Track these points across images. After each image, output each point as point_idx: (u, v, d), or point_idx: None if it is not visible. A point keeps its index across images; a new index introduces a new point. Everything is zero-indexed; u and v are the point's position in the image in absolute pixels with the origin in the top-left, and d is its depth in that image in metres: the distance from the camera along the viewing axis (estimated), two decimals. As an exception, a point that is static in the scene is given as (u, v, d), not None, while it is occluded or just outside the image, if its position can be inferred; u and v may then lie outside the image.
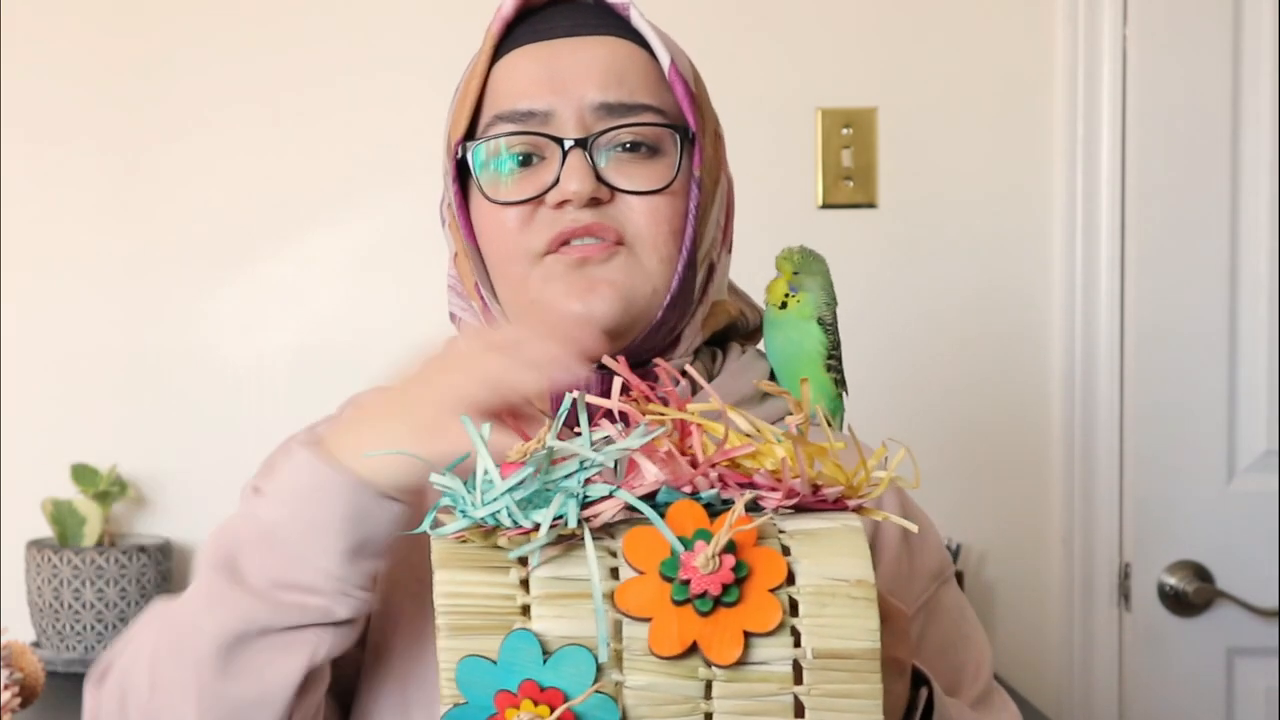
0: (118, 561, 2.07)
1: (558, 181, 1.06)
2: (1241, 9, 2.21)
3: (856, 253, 2.23)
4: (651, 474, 0.84)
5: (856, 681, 0.82)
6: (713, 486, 0.85)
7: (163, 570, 2.12)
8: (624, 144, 1.08)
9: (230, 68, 2.20)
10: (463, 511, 0.83)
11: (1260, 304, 2.24)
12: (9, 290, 2.20)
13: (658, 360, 0.94)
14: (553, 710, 0.79)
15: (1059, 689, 2.28)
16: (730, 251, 1.17)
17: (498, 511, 0.82)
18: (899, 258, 2.25)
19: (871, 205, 2.25)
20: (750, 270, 1.22)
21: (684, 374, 1.05)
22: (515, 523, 0.82)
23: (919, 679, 0.99)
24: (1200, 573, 2.24)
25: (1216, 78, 2.22)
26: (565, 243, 1.07)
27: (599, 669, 0.80)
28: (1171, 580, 2.24)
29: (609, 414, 0.89)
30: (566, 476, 0.83)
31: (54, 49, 2.19)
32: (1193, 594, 2.22)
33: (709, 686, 0.82)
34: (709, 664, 0.81)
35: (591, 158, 1.06)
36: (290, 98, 2.20)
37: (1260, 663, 2.25)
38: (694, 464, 0.86)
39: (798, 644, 0.82)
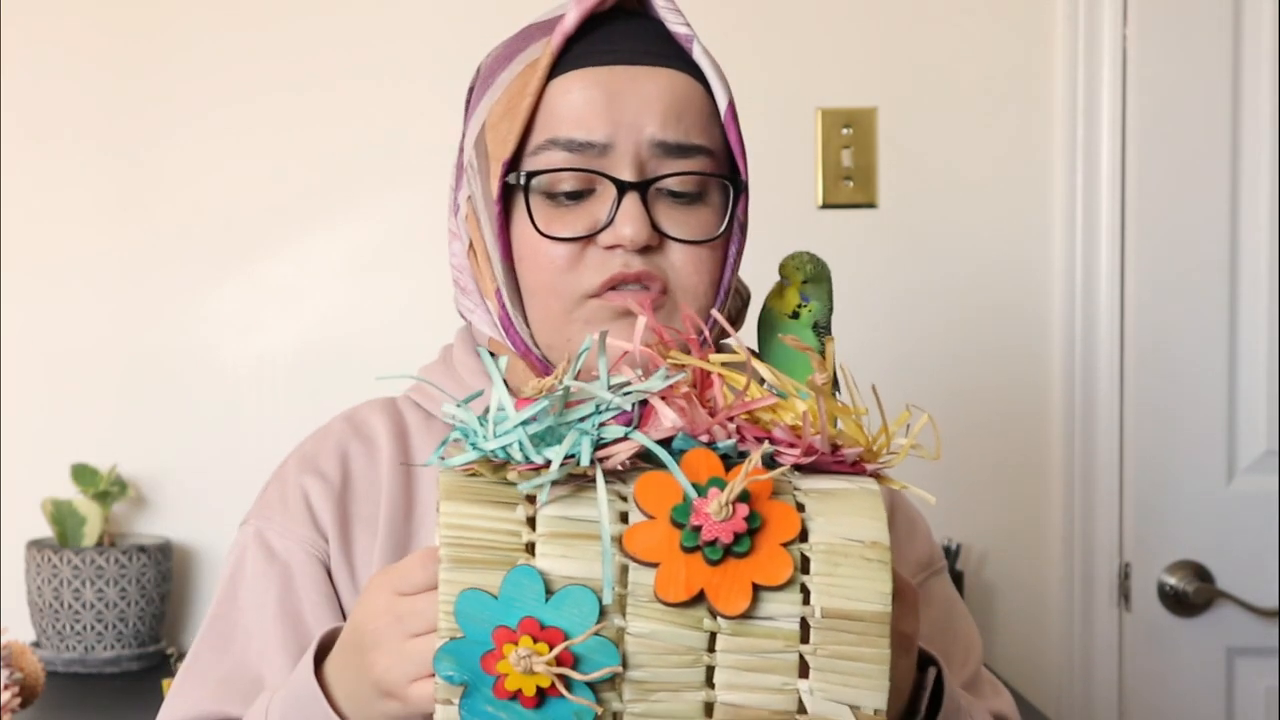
0: (118, 561, 2.07)
1: (611, 222, 1.05)
2: (1241, 9, 2.21)
3: (856, 253, 2.23)
4: (669, 419, 0.83)
5: (864, 645, 0.81)
6: (730, 438, 0.83)
7: (163, 570, 2.12)
8: (674, 188, 1.07)
9: (230, 68, 2.20)
10: (473, 444, 0.81)
11: (1260, 304, 2.23)
12: (9, 290, 2.20)
13: (684, 305, 0.94)
14: (551, 649, 0.78)
15: (1059, 689, 2.28)
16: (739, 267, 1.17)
17: (509, 445, 0.80)
18: (899, 258, 2.25)
19: (871, 205, 2.25)
20: (749, 270, 1.22)
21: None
22: (526, 457, 0.80)
23: (926, 661, 1.00)
24: (1200, 573, 2.24)
25: (1216, 78, 2.22)
26: (612, 286, 1.06)
27: (602, 611, 0.79)
28: (1171, 580, 2.24)
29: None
30: (582, 419, 0.81)
31: (54, 49, 2.19)
32: (1193, 594, 2.22)
33: (713, 639, 0.80)
34: (714, 615, 0.80)
35: (645, 201, 1.06)
36: (290, 98, 2.20)
37: (1260, 663, 2.25)
38: (713, 414, 0.84)
39: (807, 602, 0.81)
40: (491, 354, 1.14)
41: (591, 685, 0.79)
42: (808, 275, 1.18)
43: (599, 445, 0.81)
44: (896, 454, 0.87)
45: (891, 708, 0.90)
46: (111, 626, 2.08)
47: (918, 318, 2.25)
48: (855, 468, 0.86)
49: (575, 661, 0.78)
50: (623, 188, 1.05)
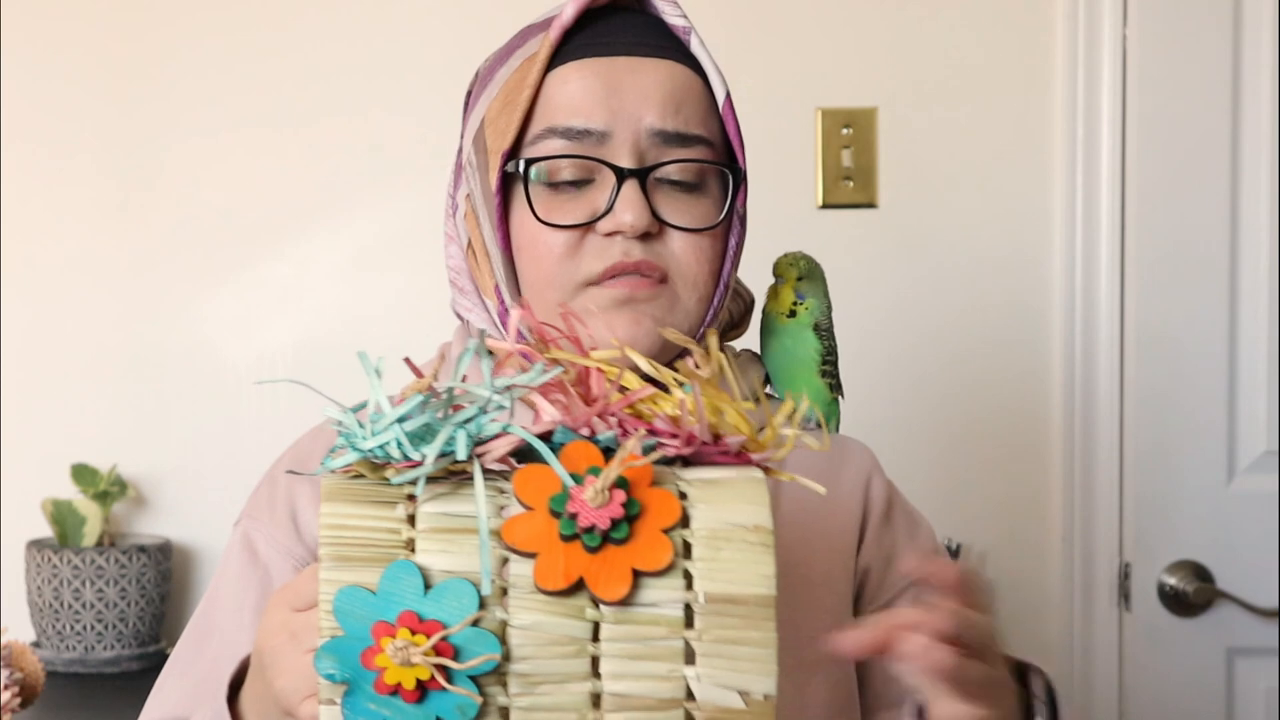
0: (118, 561, 2.07)
1: (610, 209, 1.05)
2: (1241, 9, 2.21)
3: (856, 253, 2.23)
4: (548, 413, 0.83)
5: (750, 628, 0.80)
6: (610, 430, 0.84)
7: (163, 570, 2.12)
8: (672, 176, 1.07)
9: (231, 67, 2.20)
10: (353, 445, 0.81)
11: (1260, 304, 2.23)
12: (9, 290, 2.20)
13: (562, 304, 0.96)
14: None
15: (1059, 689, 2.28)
16: (738, 266, 1.17)
17: (387, 443, 0.80)
18: (899, 258, 2.25)
19: (871, 205, 2.25)
20: (749, 270, 1.22)
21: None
22: (405, 455, 0.80)
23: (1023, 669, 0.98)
24: (1200, 573, 2.24)
25: (1216, 78, 2.22)
26: (611, 275, 1.06)
27: (482, 602, 0.79)
28: (1171, 580, 2.24)
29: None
30: (467, 420, 0.82)
31: (54, 48, 2.19)
32: (1193, 594, 2.22)
33: (597, 628, 0.80)
34: (597, 604, 0.80)
35: (645, 189, 1.06)
36: (290, 98, 2.20)
37: (1260, 663, 2.25)
38: (592, 406, 0.85)
39: (690, 587, 0.80)
40: (486, 346, 1.15)
41: (475, 679, 0.78)
42: (802, 272, 1.18)
43: (478, 442, 0.81)
44: (783, 445, 0.87)
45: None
46: (111, 626, 2.08)
47: (918, 317, 2.25)
48: (740, 458, 0.86)
49: (456, 654, 0.78)
50: (622, 175, 1.05)
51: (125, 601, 2.08)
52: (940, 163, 2.25)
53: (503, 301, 1.10)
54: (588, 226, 1.06)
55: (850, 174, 2.24)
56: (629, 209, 1.05)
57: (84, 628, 2.08)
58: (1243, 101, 2.22)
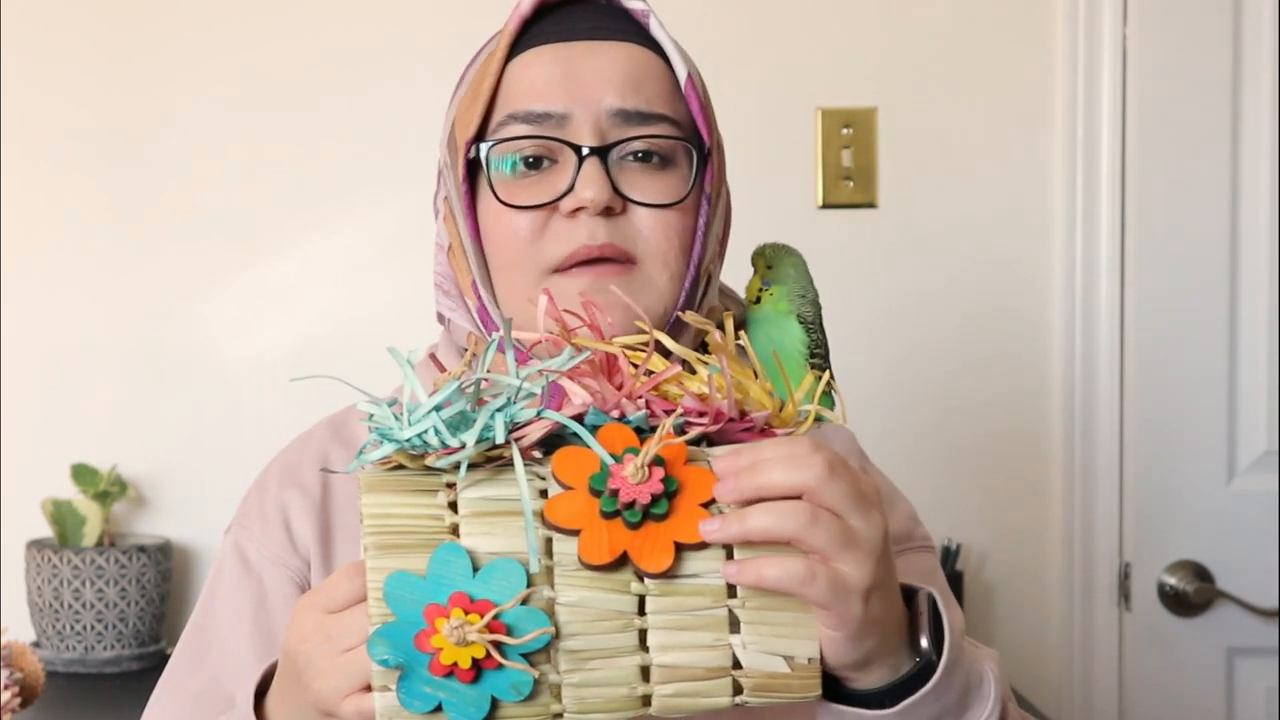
0: (118, 561, 2.07)
1: (572, 187, 1.05)
2: (1241, 8, 2.21)
3: (856, 253, 2.23)
4: (579, 396, 0.84)
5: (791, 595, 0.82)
6: (639, 411, 0.85)
7: (162, 570, 2.12)
8: (636, 153, 1.06)
9: (231, 67, 2.20)
10: (389, 437, 0.82)
11: (1260, 304, 2.23)
12: (9, 290, 2.20)
13: (582, 292, 0.95)
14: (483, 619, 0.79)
15: (1059, 689, 2.28)
16: (723, 260, 1.16)
17: (425, 432, 0.81)
18: (899, 258, 2.25)
19: (871, 205, 2.25)
20: (748, 271, 1.22)
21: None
22: (443, 442, 0.81)
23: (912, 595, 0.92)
24: (1200, 573, 2.24)
25: (1216, 77, 2.22)
26: (577, 262, 1.05)
27: (529, 579, 0.80)
28: (1171, 580, 2.24)
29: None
30: (499, 409, 0.83)
31: (55, 48, 2.19)
32: (1193, 594, 2.22)
33: (642, 602, 0.81)
34: (641, 578, 0.81)
35: (607, 166, 1.05)
36: (291, 96, 2.20)
37: (1260, 663, 2.25)
38: (620, 390, 0.86)
39: (730, 557, 0.82)
40: (475, 351, 1.14)
41: (527, 657, 0.79)
42: (768, 261, 1.19)
43: (513, 427, 0.82)
44: (805, 420, 0.87)
45: (884, 637, 0.85)
46: (111, 626, 2.08)
47: (918, 317, 2.25)
48: (765, 435, 0.87)
49: (508, 632, 0.79)
50: (582, 153, 1.05)
51: (125, 601, 2.08)
52: (940, 163, 2.26)
53: (479, 296, 1.10)
54: (551, 206, 1.06)
55: (850, 174, 2.24)
56: (590, 185, 1.04)
57: (84, 628, 2.08)
58: (1243, 101, 2.22)
